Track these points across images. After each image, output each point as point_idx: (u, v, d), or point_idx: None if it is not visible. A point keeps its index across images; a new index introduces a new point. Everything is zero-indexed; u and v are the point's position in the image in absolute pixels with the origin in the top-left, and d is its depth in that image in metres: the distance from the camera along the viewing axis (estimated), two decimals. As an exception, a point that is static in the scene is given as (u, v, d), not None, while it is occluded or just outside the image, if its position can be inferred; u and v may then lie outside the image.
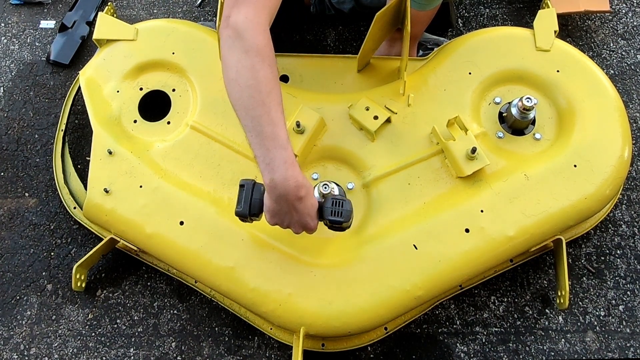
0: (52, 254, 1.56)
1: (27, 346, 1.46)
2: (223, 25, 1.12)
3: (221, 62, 1.13)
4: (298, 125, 1.35)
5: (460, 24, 1.81)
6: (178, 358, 1.44)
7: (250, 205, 1.14)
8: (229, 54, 1.10)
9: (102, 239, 1.44)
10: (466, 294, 1.46)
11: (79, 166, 1.62)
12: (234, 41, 1.09)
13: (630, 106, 1.68)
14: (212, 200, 1.35)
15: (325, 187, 1.28)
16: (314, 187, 1.32)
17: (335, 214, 1.14)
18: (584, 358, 1.41)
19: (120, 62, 1.50)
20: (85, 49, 1.82)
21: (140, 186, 1.36)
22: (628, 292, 1.47)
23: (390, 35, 1.51)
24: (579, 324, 1.44)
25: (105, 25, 1.54)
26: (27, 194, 1.63)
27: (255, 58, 1.08)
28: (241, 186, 1.16)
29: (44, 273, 1.54)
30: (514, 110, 1.37)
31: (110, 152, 1.39)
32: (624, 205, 1.56)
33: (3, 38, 1.85)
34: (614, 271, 1.49)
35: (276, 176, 1.06)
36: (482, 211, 1.29)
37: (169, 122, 1.46)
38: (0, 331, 1.48)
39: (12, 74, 1.79)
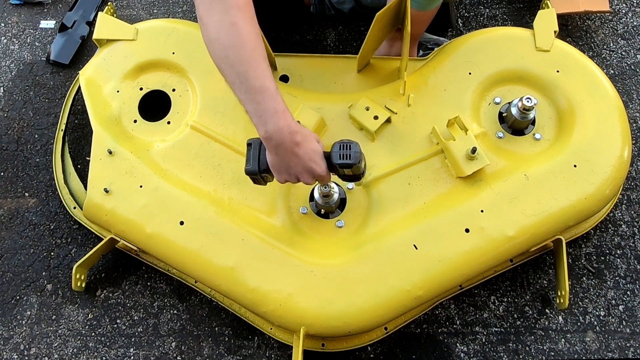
0: (52, 254, 1.56)
1: (27, 346, 1.46)
2: None
3: (199, 22, 1.11)
4: (298, 125, 1.35)
5: (460, 24, 1.81)
6: (178, 358, 1.44)
7: (259, 161, 1.13)
8: (207, 15, 1.09)
9: (102, 239, 1.44)
10: (466, 294, 1.46)
11: (79, 166, 1.62)
12: (212, 1, 1.08)
13: (630, 106, 1.68)
14: (212, 200, 1.35)
15: (326, 187, 1.29)
16: (314, 187, 1.33)
17: (343, 157, 1.11)
18: (584, 358, 1.41)
19: (120, 62, 1.50)
20: (85, 49, 1.82)
21: (140, 186, 1.36)
22: (628, 292, 1.47)
23: (390, 35, 1.51)
24: (579, 324, 1.44)
25: (105, 25, 1.54)
26: (27, 194, 1.63)
27: (238, 15, 1.07)
28: (248, 145, 1.15)
29: (44, 273, 1.54)
30: (514, 110, 1.37)
31: (110, 152, 1.39)
32: (624, 205, 1.56)
33: (3, 38, 1.85)
34: (614, 271, 1.49)
35: (269, 127, 1.07)
36: (482, 211, 1.29)
37: (169, 122, 1.46)
38: (0, 331, 1.48)
39: (12, 74, 1.79)
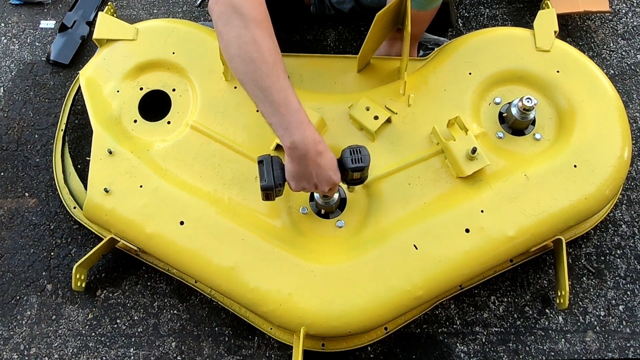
0: (52, 254, 1.56)
1: (27, 346, 1.46)
2: (213, 1, 1.12)
3: (218, 38, 1.14)
4: (298, 125, 1.35)
5: (460, 24, 1.81)
6: (178, 358, 1.44)
7: (274, 176, 1.17)
8: (227, 30, 1.11)
9: (102, 239, 1.44)
10: (466, 294, 1.46)
11: (79, 166, 1.62)
12: (229, 17, 1.10)
13: (630, 106, 1.68)
14: (212, 200, 1.35)
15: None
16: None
17: (356, 161, 1.17)
18: (584, 358, 1.41)
19: (120, 62, 1.50)
20: (85, 49, 1.82)
21: (141, 186, 1.36)
22: (628, 292, 1.47)
23: (391, 35, 1.51)
24: (579, 324, 1.44)
25: (105, 25, 1.54)
26: (27, 194, 1.63)
27: (257, 31, 1.09)
28: (260, 162, 1.19)
29: (44, 273, 1.54)
30: (514, 111, 1.37)
31: (110, 152, 1.39)
32: (624, 205, 1.56)
33: (3, 38, 1.85)
34: (614, 271, 1.49)
35: (295, 138, 1.10)
36: (482, 211, 1.29)
37: (169, 122, 1.46)
38: (0, 331, 1.48)
39: (12, 74, 1.79)
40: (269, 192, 1.19)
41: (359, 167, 1.17)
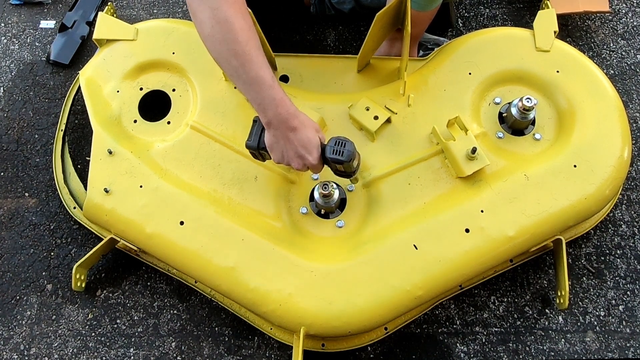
0: (52, 254, 1.56)
1: (27, 346, 1.46)
2: None
3: (192, 19, 1.15)
4: (298, 125, 1.35)
5: (460, 24, 1.81)
6: (178, 358, 1.44)
7: (259, 139, 1.19)
8: (200, 10, 1.12)
9: (102, 239, 1.44)
10: (466, 294, 1.46)
11: (79, 166, 1.62)
12: None
13: (630, 106, 1.68)
14: (212, 200, 1.35)
15: (325, 187, 1.29)
16: (314, 187, 1.33)
17: (336, 153, 1.16)
18: (584, 358, 1.41)
19: (120, 62, 1.50)
20: (85, 49, 1.82)
21: (140, 186, 1.36)
22: (628, 292, 1.47)
23: (390, 35, 1.51)
24: (579, 324, 1.44)
25: (105, 25, 1.54)
26: (27, 194, 1.63)
27: (229, 10, 1.10)
28: (255, 121, 1.21)
29: (44, 273, 1.54)
30: (514, 111, 1.37)
31: (110, 152, 1.39)
32: (624, 205, 1.56)
33: (3, 38, 1.85)
34: (614, 271, 1.49)
35: (269, 114, 1.14)
36: (482, 211, 1.29)
37: (169, 122, 1.46)
38: (0, 331, 1.48)
39: (12, 74, 1.79)
40: (253, 152, 1.22)
41: (337, 160, 1.16)
